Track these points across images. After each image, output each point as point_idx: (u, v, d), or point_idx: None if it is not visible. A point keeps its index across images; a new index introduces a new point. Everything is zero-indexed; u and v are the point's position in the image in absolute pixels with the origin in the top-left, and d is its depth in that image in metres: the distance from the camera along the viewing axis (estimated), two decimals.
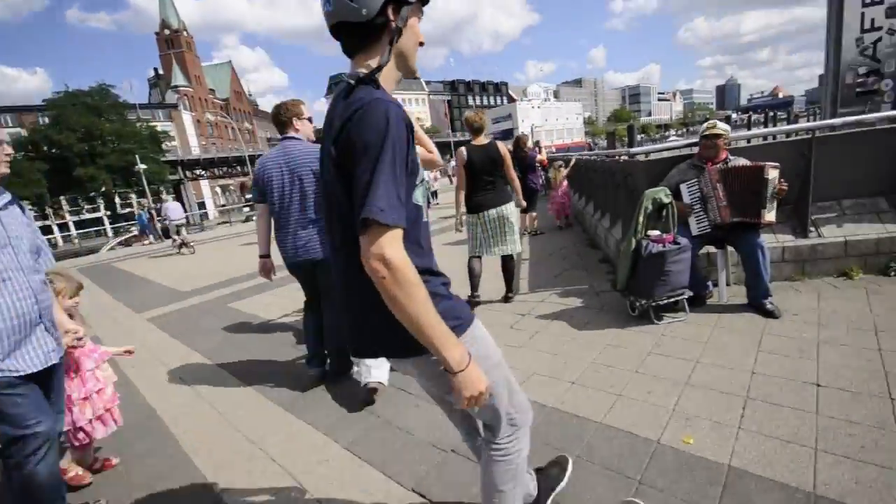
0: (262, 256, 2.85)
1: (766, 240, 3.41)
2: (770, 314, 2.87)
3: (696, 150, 3.32)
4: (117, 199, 34.99)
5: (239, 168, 48.39)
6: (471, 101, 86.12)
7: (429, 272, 1.01)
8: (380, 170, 0.86)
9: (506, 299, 4.01)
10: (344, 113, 0.92)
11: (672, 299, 2.97)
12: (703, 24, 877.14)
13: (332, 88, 77.47)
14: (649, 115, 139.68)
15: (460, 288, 3.98)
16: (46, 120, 32.35)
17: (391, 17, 0.96)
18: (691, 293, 3.13)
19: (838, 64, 5.35)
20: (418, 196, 1.01)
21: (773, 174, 2.82)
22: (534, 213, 7.18)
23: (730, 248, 3.19)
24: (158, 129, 38.41)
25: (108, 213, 36.74)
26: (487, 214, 3.72)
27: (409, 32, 1.00)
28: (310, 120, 2.79)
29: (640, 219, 2.98)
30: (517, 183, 4.02)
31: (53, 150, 30.12)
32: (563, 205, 7.64)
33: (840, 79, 5.38)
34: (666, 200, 2.97)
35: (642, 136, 52.22)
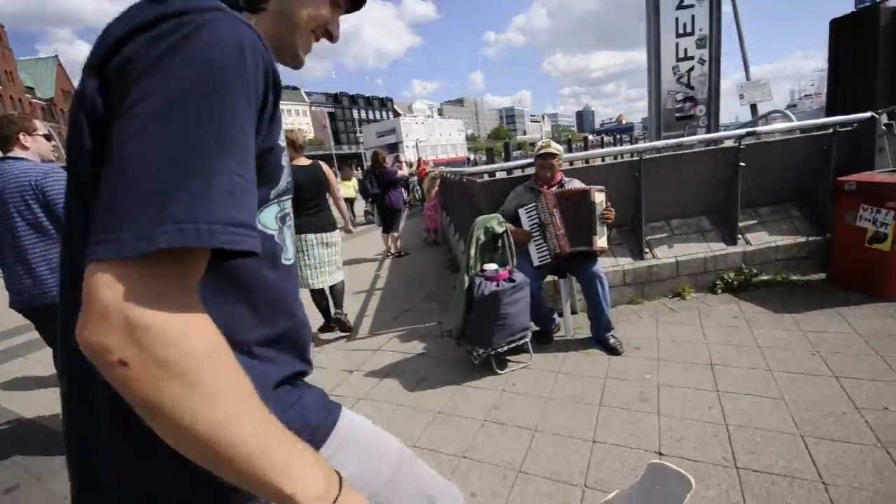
0: None
1: (608, 264, 3.23)
2: (613, 350, 2.58)
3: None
4: None
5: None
6: (355, 115, 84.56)
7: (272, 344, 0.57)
8: (196, 130, 0.38)
9: (336, 320, 3.53)
10: (135, 16, 0.42)
11: (513, 344, 2.52)
12: (562, 59, 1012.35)
13: None
14: (524, 133, 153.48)
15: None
16: None
17: None
18: (536, 328, 2.75)
19: (659, 90, 5.80)
20: (268, 218, 0.56)
21: (599, 198, 2.57)
22: (395, 234, 6.57)
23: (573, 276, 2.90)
24: None
25: None
26: (308, 239, 3.29)
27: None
28: (47, 137, 2.27)
29: (472, 251, 2.49)
30: (342, 205, 3.75)
31: None
32: (432, 217, 7.20)
33: (661, 104, 5.84)
34: (499, 230, 2.53)
35: (518, 151, 56.59)
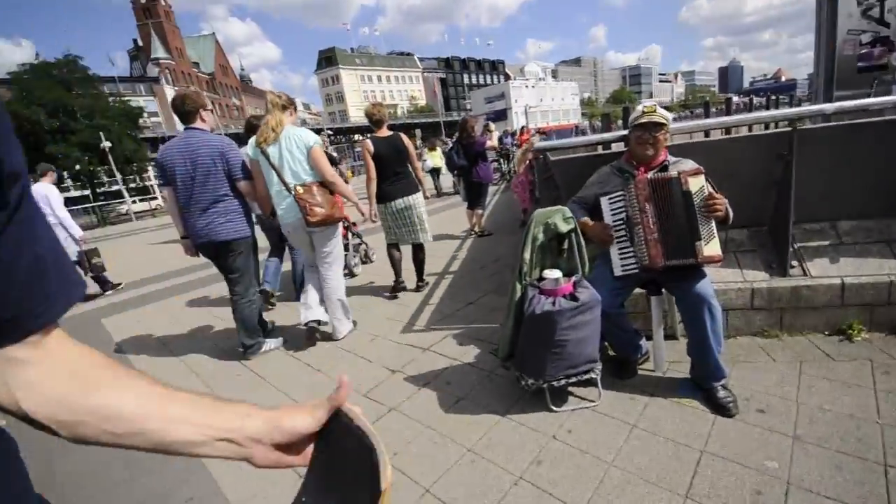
0: (183, 237, 2.96)
1: (729, 277, 2.39)
2: (720, 408, 1.85)
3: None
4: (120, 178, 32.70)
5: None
6: (465, 80, 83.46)
7: None
8: None
9: (417, 288, 4.07)
10: None
11: (573, 379, 1.95)
12: (706, 3, 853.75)
13: (321, 64, 74.77)
14: (650, 96, 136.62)
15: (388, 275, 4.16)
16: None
17: None
18: (612, 354, 2.13)
19: (833, 30, 4.13)
20: None
21: (694, 184, 1.79)
22: (480, 211, 6.09)
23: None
24: (141, 104, 36.67)
25: (89, 191, 35.22)
26: (394, 205, 3.74)
27: None
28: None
29: (527, 254, 1.93)
30: (421, 174, 4.04)
31: (23, 126, 28.55)
32: (521, 195, 6.54)
33: (836, 51, 4.18)
34: (563, 228, 1.92)
35: None
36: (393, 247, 3.99)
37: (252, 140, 2.85)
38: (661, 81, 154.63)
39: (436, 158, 11.55)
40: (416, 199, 3.77)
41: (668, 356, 2.27)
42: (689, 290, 1.88)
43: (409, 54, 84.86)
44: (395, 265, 4.01)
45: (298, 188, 2.75)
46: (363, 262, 5.27)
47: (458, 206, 8.81)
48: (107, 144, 26.24)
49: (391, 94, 78.36)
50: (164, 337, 3.87)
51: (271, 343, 3.19)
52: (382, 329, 3.32)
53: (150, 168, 38.01)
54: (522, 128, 14.43)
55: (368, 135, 3.80)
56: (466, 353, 2.73)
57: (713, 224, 1.82)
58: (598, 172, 2.27)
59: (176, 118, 2.90)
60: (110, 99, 32.71)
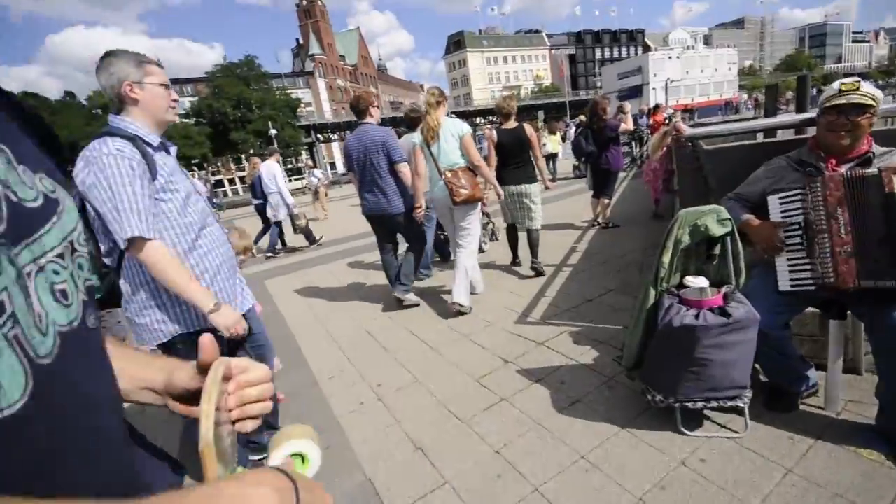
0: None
1: None
2: None
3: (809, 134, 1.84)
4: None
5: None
6: (598, 55, 77.33)
7: None
8: None
9: (532, 268, 4.22)
10: None
11: (713, 403, 1.71)
12: None
13: (450, 49, 76.40)
14: (838, 61, 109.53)
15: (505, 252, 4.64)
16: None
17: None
18: (766, 380, 1.82)
19: None
20: None
21: None
22: (606, 200, 5.65)
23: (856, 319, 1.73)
24: (298, 95, 42.63)
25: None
26: (509, 189, 4.02)
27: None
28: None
29: (666, 258, 1.72)
30: (542, 163, 4.27)
31: (214, 117, 35.31)
32: (652, 184, 5.88)
33: None
34: (718, 231, 1.66)
35: (823, 88, 40.62)
36: (511, 228, 4.39)
37: (418, 131, 3.45)
38: (854, 41, 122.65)
39: (554, 143, 11.10)
40: (531, 188, 4.04)
41: (844, 394, 1.85)
42: (887, 319, 1.49)
43: (536, 32, 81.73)
44: (512, 244, 4.49)
45: (447, 172, 3.28)
46: (490, 240, 5.58)
47: (579, 192, 8.33)
48: (273, 131, 31.10)
49: (515, 75, 76.72)
50: (313, 301, 4.49)
51: (412, 298, 3.77)
52: (497, 317, 3.35)
53: (303, 151, 43.96)
54: (656, 106, 12.85)
55: (491, 126, 4.53)
56: (583, 354, 2.61)
57: None
58: (768, 165, 1.91)
59: (351, 112, 3.66)
60: (277, 92, 38.43)
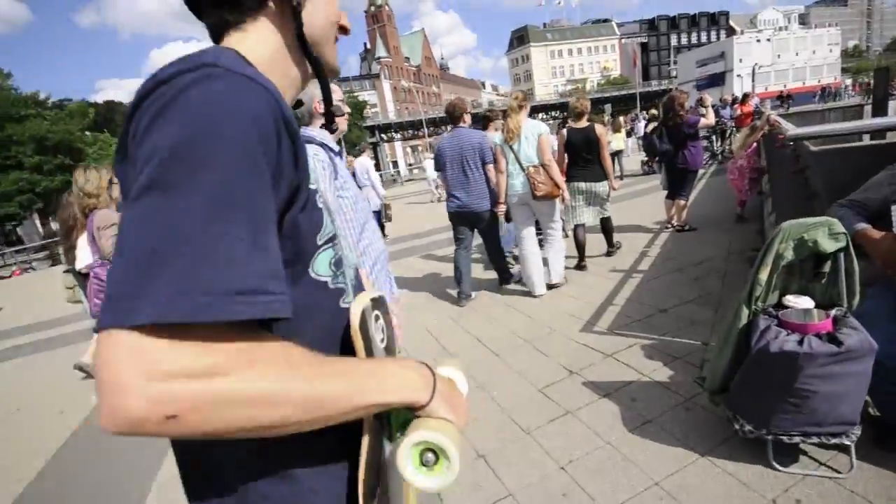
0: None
1: None
2: None
3: None
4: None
5: (425, 130, 52.30)
6: (674, 41, 72.10)
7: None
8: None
9: (608, 254, 4.65)
10: (139, 90, 0.44)
11: (813, 439, 1.52)
12: None
13: (513, 44, 75.24)
14: None
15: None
16: None
17: None
18: (878, 415, 1.59)
19: None
20: (322, 266, 0.55)
21: None
22: (683, 201, 5.24)
23: None
24: (365, 98, 44.46)
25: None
26: (577, 186, 4.26)
27: (320, 3, 0.57)
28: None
29: (763, 274, 1.55)
30: (608, 164, 4.33)
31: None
32: (737, 184, 5.36)
33: None
34: (829, 247, 1.46)
35: None
36: (579, 227, 4.41)
37: (499, 132, 3.81)
38: None
39: (619, 140, 10.60)
40: (598, 186, 4.29)
41: None
42: None
43: (606, 21, 77.99)
44: (579, 245, 4.39)
45: (530, 168, 3.55)
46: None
47: (649, 191, 7.83)
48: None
49: (581, 68, 73.87)
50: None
51: (473, 294, 4.07)
52: (561, 324, 3.24)
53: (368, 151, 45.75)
54: (745, 95, 11.66)
55: (566, 125, 4.47)
56: (657, 370, 2.44)
57: None
58: (892, 169, 1.66)
59: (448, 117, 3.95)
60: (346, 96, 40.39)
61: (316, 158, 1.33)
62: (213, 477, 0.50)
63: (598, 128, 4.21)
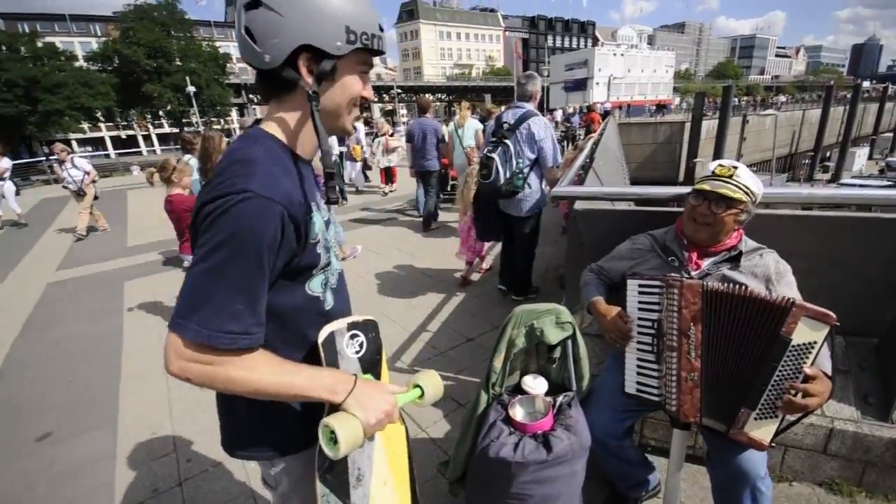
0: (410, 167, 6.20)
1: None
2: None
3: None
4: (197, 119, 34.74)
5: None
6: (549, 42, 78.04)
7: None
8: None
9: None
10: (210, 191, 0.73)
11: None
12: None
13: (402, 17, 73.15)
14: (761, 73, 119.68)
15: None
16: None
17: (303, 72, 0.76)
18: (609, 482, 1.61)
19: None
20: (316, 285, 0.87)
21: (802, 335, 1.10)
22: None
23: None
24: (230, 50, 38.30)
25: (177, 130, 37.92)
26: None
27: (341, 90, 0.80)
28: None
29: (498, 362, 1.41)
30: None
31: (123, 65, 30.75)
32: (466, 241, 5.17)
33: None
34: (554, 338, 1.37)
35: (745, 99, 44.10)
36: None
37: (452, 123, 5.52)
38: (778, 56, 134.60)
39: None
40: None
41: (686, 492, 1.70)
42: (729, 457, 1.30)
43: (492, 11, 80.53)
44: None
45: (467, 149, 5.17)
46: None
47: None
48: (191, 89, 27.73)
49: (468, 54, 75.48)
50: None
51: None
52: None
53: (233, 112, 40.04)
54: (589, 106, 12.91)
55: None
56: (437, 423, 2.30)
57: (778, 412, 1.16)
58: (633, 241, 1.65)
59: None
60: (203, 43, 34.14)
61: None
62: (228, 408, 0.88)
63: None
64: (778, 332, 1.13)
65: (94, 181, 7.12)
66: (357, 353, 0.87)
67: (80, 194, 6.91)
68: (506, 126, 3.10)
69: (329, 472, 0.82)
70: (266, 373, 0.73)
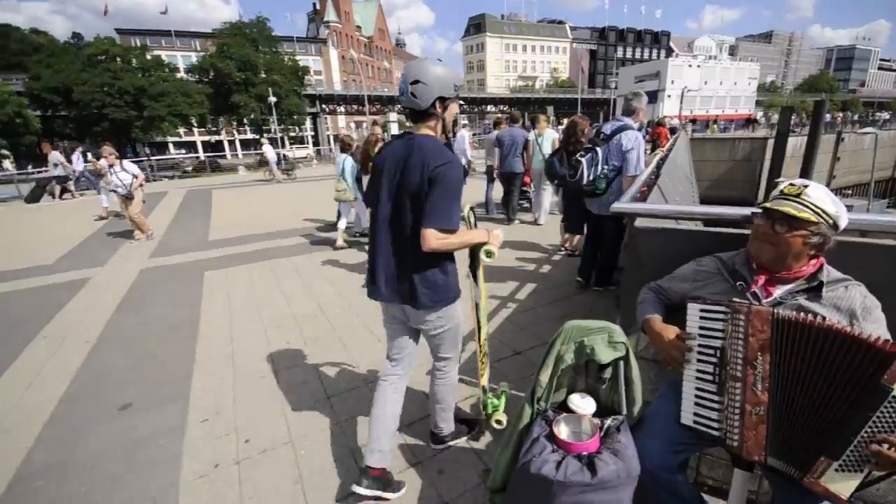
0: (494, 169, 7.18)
1: None
2: None
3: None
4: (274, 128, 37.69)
5: (370, 106, 49.91)
6: (620, 53, 75.53)
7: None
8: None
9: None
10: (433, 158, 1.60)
11: None
12: None
13: (469, 31, 74.45)
14: (862, 85, 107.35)
15: None
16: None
17: (438, 109, 1.66)
18: None
19: None
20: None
21: None
22: (578, 236, 5.25)
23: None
24: (308, 63, 41.23)
25: (258, 136, 41.25)
26: None
27: (449, 113, 1.70)
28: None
29: (544, 376, 1.39)
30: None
31: (216, 77, 34.13)
32: None
33: None
34: (605, 357, 1.32)
35: (840, 115, 39.77)
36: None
37: (533, 132, 6.49)
38: (881, 69, 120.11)
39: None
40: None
41: None
42: (801, 501, 1.17)
43: (560, 22, 79.61)
44: None
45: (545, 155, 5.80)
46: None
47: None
48: (272, 100, 30.16)
49: (533, 66, 75.05)
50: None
51: None
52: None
53: (307, 120, 42.81)
54: (659, 121, 12.23)
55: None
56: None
57: (864, 465, 1.03)
58: (698, 263, 1.56)
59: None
60: (285, 57, 37.07)
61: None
62: (428, 283, 1.71)
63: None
64: (878, 379, 1.01)
65: (141, 185, 7.10)
66: (475, 223, 2.07)
67: (128, 198, 6.92)
68: (602, 136, 3.62)
69: None
70: (462, 235, 1.66)
